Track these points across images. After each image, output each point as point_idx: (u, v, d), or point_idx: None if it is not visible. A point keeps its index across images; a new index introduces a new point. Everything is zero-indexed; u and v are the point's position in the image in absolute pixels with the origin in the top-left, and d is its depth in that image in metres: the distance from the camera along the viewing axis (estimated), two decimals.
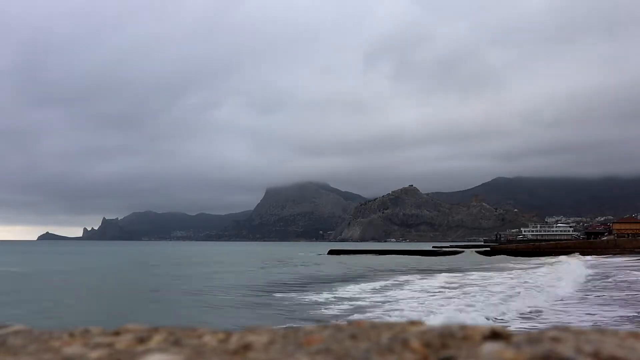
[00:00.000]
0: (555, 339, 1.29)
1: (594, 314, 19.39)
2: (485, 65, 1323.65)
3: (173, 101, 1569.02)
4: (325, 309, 22.89)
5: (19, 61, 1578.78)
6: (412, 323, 1.51)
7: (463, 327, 1.40)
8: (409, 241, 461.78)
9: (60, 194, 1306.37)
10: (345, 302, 24.88)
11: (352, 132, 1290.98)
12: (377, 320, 1.57)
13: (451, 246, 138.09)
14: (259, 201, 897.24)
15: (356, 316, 18.19)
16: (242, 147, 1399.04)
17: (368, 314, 19.40)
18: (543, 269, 44.71)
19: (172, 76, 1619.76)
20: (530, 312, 20.18)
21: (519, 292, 25.84)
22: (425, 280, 36.05)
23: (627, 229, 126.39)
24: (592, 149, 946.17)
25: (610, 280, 34.26)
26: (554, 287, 28.56)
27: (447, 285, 32.00)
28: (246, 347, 1.39)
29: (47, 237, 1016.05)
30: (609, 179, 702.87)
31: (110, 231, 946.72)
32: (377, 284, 33.83)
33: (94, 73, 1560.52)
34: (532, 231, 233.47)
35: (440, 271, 46.37)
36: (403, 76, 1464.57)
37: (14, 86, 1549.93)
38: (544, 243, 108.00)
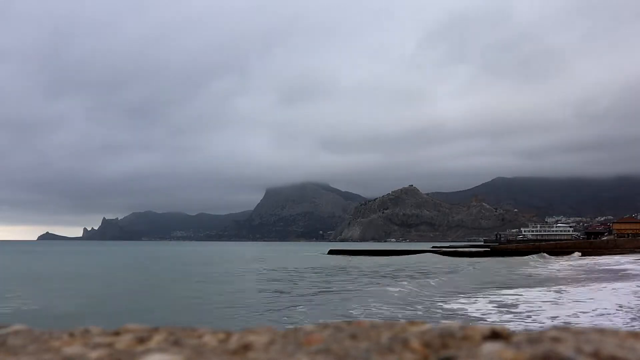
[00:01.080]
0: (555, 339, 1.30)
1: None
2: (546, 49, 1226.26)
3: (196, 90, 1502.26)
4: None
5: (40, 47, 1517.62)
6: (412, 323, 1.51)
7: (463, 327, 1.40)
8: (409, 241, 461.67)
9: (64, 192, 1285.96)
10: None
11: (389, 125, 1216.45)
12: (377, 320, 1.57)
13: (451, 246, 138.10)
14: (259, 201, 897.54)
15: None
16: (264, 143, 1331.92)
17: None
18: None
19: (195, 63, 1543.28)
20: None
21: None
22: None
23: (627, 229, 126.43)
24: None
25: None
26: None
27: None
28: (246, 347, 1.39)
29: (47, 237, 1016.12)
30: (609, 179, 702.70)
31: (110, 231, 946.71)
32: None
33: (116, 59, 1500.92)
34: (532, 231, 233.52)
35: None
36: (454, 62, 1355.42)
37: (32, 73, 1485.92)
38: (544, 243, 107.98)
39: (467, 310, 22.20)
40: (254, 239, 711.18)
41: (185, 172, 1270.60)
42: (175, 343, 1.43)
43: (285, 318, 20.37)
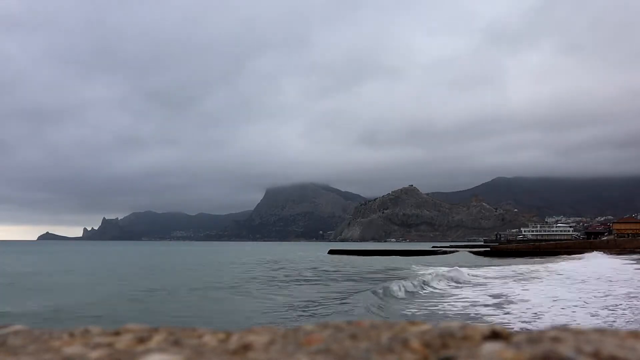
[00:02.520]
0: (555, 339, 1.30)
1: None
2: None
3: (236, 73, 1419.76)
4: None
5: (77, 18, 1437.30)
6: (412, 323, 1.51)
7: (463, 327, 1.40)
8: (409, 241, 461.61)
9: (70, 191, 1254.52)
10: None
11: (443, 115, 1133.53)
12: (377, 319, 1.56)
13: (451, 246, 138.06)
14: (259, 201, 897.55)
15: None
16: (298, 136, 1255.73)
17: None
18: None
19: (239, 42, 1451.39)
20: None
21: None
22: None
23: (627, 229, 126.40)
24: None
25: None
26: None
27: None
28: (246, 347, 1.39)
29: (47, 237, 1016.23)
30: (609, 179, 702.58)
31: (110, 231, 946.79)
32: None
33: (155, 36, 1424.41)
34: (532, 231, 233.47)
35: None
36: (531, 41, 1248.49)
37: (63, 55, 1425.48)
38: (544, 243, 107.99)
39: None
40: (254, 239, 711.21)
41: (208, 169, 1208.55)
42: (175, 343, 1.44)
43: (285, 318, 20.34)
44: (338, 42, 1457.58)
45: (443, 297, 26.95)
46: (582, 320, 18.09)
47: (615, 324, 17.27)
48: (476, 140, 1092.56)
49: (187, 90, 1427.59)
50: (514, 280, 34.92)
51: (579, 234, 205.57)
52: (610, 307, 20.82)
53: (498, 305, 22.55)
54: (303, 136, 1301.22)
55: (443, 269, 41.50)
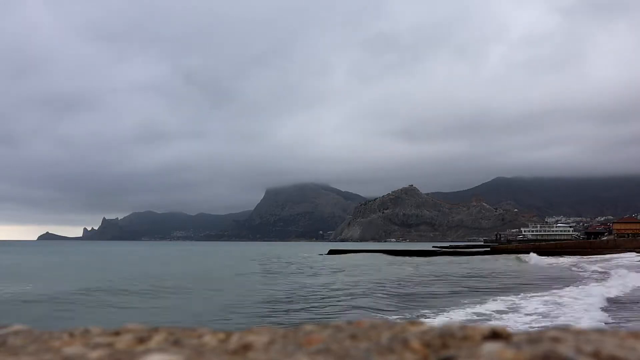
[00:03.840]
0: (555, 339, 1.30)
1: None
2: None
3: (275, 57, 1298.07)
4: None
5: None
6: (412, 323, 1.51)
7: (463, 327, 1.40)
8: (409, 241, 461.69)
9: (78, 188, 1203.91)
10: None
11: (502, 105, 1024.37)
12: (377, 320, 1.57)
13: (451, 246, 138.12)
14: (259, 201, 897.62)
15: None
16: (334, 129, 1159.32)
17: None
18: None
19: (278, 22, 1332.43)
20: None
21: None
22: None
23: (627, 229, 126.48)
24: None
25: None
26: None
27: None
28: (246, 347, 1.39)
29: (47, 237, 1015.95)
30: (609, 179, 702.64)
31: (110, 231, 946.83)
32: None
33: (191, 15, 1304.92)
34: (532, 231, 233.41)
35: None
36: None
37: (97, 30, 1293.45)
38: (544, 243, 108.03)
39: None
40: (254, 239, 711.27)
41: (228, 167, 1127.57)
42: (175, 343, 1.44)
43: (286, 318, 20.37)
44: (408, 11, 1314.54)
45: None
46: None
47: None
48: (524, 134, 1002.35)
49: (226, 74, 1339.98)
50: None
51: (579, 234, 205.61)
52: None
53: None
54: (340, 128, 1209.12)
55: None
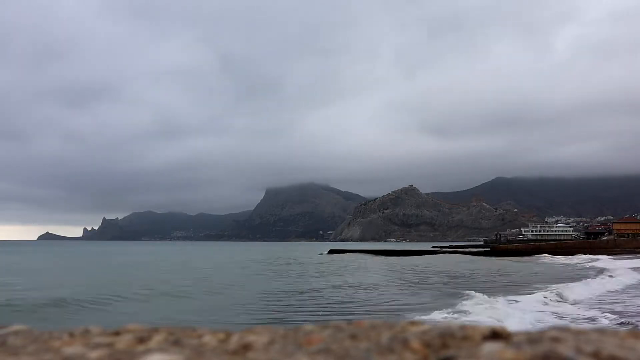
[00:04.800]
0: (555, 339, 1.29)
1: None
2: None
3: (317, 45, 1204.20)
4: None
5: None
6: (412, 323, 1.51)
7: (463, 327, 1.40)
8: (409, 241, 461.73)
9: (84, 187, 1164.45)
10: None
11: (555, 96, 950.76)
12: (377, 320, 1.57)
13: (451, 246, 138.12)
14: (259, 201, 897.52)
15: None
16: (365, 123, 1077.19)
17: None
18: None
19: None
20: None
21: None
22: None
23: (627, 229, 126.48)
24: None
25: None
26: None
27: None
28: (246, 347, 1.39)
29: (47, 237, 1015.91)
30: (609, 179, 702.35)
31: (110, 231, 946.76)
32: None
33: None
34: (532, 231, 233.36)
35: None
36: None
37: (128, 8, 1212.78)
38: (544, 243, 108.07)
39: None
40: (254, 239, 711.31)
41: (251, 164, 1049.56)
42: (175, 343, 1.44)
43: (286, 318, 20.40)
44: None
45: None
46: None
47: None
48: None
49: (264, 61, 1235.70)
50: None
51: (579, 234, 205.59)
52: None
53: None
54: (371, 122, 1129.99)
55: None
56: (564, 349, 1.23)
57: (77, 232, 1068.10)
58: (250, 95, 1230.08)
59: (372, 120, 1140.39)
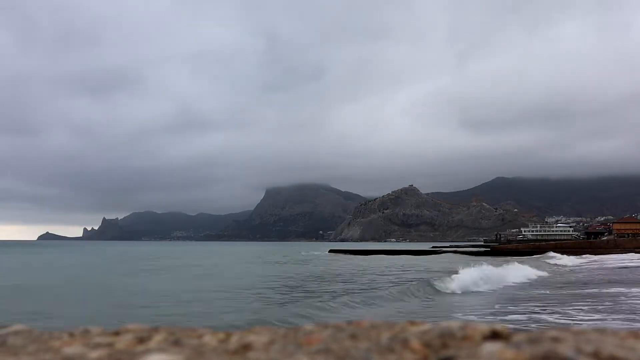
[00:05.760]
0: (555, 339, 1.29)
1: None
2: None
3: (364, 27, 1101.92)
4: None
5: None
6: (412, 323, 1.50)
7: (463, 327, 1.40)
8: (409, 241, 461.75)
9: (91, 186, 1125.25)
10: None
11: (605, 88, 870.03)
12: (377, 320, 1.56)
13: (451, 246, 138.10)
14: (259, 201, 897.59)
15: None
16: (401, 116, 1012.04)
17: None
18: None
19: None
20: None
21: None
22: None
23: (627, 229, 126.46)
24: None
25: None
26: None
27: None
28: (246, 347, 1.39)
29: (47, 237, 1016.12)
30: (609, 179, 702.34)
31: (110, 231, 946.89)
32: None
33: None
34: (532, 231, 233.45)
35: None
36: None
37: None
38: (544, 243, 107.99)
39: None
40: (254, 239, 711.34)
41: (260, 160, 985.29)
42: (175, 343, 1.44)
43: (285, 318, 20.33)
44: None
45: None
46: None
47: None
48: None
49: (307, 44, 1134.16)
50: None
51: (579, 234, 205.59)
52: None
53: None
54: (409, 113, 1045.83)
55: None
56: (564, 349, 1.23)
57: (77, 232, 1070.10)
58: (283, 84, 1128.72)
59: (408, 112, 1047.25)
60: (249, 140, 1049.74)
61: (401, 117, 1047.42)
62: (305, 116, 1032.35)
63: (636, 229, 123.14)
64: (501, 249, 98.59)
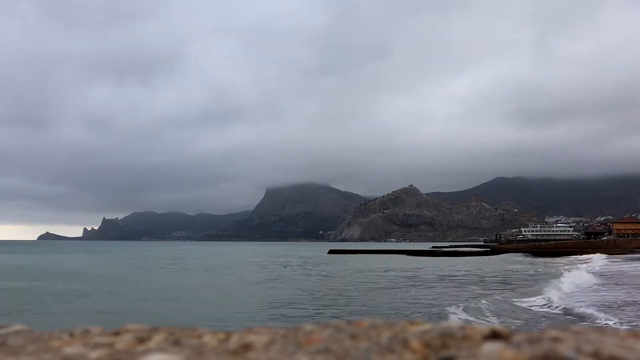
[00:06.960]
0: (555, 339, 1.30)
1: None
2: None
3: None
4: None
5: None
6: (412, 323, 1.51)
7: (463, 327, 1.40)
8: (409, 241, 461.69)
9: (101, 184, 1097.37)
10: None
11: None
12: (377, 319, 1.57)
13: (451, 246, 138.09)
14: (259, 201, 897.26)
15: None
16: (446, 113, 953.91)
17: None
18: None
19: None
20: None
21: None
22: None
23: (627, 229, 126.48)
24: None
25: None
26: None
27: None
28: (246, 347, 1.39)
29: (47, 237, 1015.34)
30: (609, 179, 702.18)
31: (110, 231, 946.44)
32: None
33: None
34: (532, 231, 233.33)
35: None
36: None
37: None
38: (544, 243, 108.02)
39: None
40: (254, 239, 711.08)
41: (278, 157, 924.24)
42: (175, 343, 1.44)
43: (285, 318, 20.39)
44: None
45: None
46: None
47: None
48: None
49: (370, 27, 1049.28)
50: None
51: (579, 234, 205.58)
52: None
53: None
54: (463, 102, 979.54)
55: None
56: (564, 349, 1.23)
57: (77, 232, 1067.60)
58: (331, 68, 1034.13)
59: (466, 103, 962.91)
60: (276, 136, 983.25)
61: (452, 108, 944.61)
62: (345, 106, 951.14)
63: (636, 229, 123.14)
64: (501, 249, 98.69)
